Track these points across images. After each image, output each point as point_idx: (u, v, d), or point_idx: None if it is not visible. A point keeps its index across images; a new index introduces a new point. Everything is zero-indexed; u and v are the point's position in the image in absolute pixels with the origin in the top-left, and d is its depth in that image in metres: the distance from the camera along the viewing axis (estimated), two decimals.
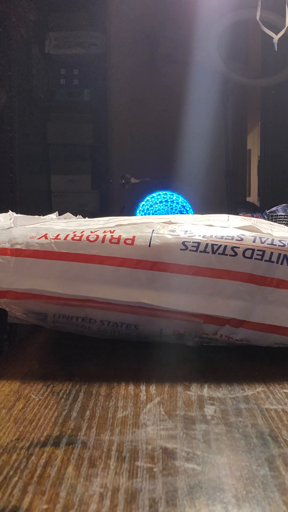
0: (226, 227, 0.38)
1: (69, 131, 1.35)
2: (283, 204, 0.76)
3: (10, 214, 0.45)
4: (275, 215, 0.74)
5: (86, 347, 0.42)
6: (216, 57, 1.21)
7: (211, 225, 0.38)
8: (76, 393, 0.31)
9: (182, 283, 0.35)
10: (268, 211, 0.76)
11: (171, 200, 1.13)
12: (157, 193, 1.15)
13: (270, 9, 1.07)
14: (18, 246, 0.37)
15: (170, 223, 0.39)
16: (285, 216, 0.72)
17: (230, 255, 0.36)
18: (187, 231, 0.37)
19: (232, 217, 0.42)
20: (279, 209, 0.75)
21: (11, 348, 0.41)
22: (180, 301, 0.35)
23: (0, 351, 0.40)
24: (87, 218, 0.48)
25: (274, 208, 0.76)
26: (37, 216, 0.48)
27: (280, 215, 0.73)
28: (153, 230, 0.37)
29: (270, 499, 0.20)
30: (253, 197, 1.42)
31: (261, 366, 0.36)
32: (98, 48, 1.36)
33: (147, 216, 0.44)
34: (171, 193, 1.15)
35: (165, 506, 0.20)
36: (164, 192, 1.14)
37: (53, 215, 0.52)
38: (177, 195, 1.15)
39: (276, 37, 0.94)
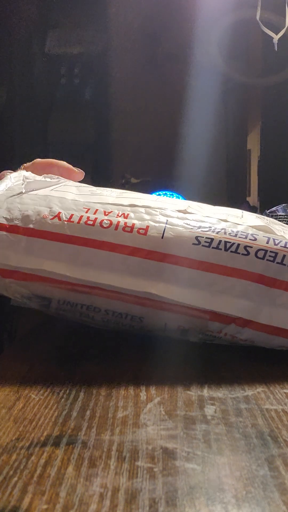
0: (240, 224, 0.38)
1: (69, 130, 1.34)
2: (283, 204, 0.76)
3: (23, 176, 0.43)
4: (275, 215, 0.74)
5: (86, 347, 0.42)
6: (217, 56, 1.21)
7: (226, 220, 0.38)
8: (76, 392, 0.31)
9: (191, 277, 0.35)
10: (268, 211, 0.76)
11: None
12: (157, 193, 1.15)
13: (270, 9, 1.07)
14: (31, 225, 0.37)
15: (185, 213, 0.39)
16: (285, 216, 0.72)
17: (243, 254, 0.35)
18: (201, 225, 0.37)
19: (246, 214, 0.41)
20: (279, 209, 0.75)
21: (11, 347, 0.41)
22: (188, 295, 0.35)
23: (0, 351, 0.40)
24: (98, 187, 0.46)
25: (274, 208, 0.76)
26: (48, 177, 0.45)
27: (280, 215, 0.73)
28: (167, 220, 0.37)
29: (270, 499, 0.20)
30: (253, 197, 1.43)
31: (261, 366, 0.36)
32: (99, 47, 1.36)
33: (162, 198, 0.42)
34: (171, 193, 1.15)
35: (165, 506, 0.20)
36: (164, 192, 1.14)
37: None
38: (177, 195, 1.15)
39: (276, 37, 0.94)
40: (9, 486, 0.21)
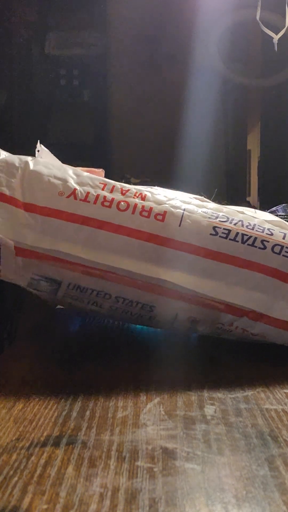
0: (256, 217, 0.38)
1: (69, 131, 1.35)
2: (283, 204, 0.76)
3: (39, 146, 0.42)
4: (275, 215, 0.73)
5: (86, 347, 0.42)
6: (216, 57, 1.22)
7: (242, 212, 0.38)
8: (76, 393, 0.31)
9: (207, 267, 0.35)
10: (268, 211, 0.76)
11: None
12: None
13: (270, 9, 1.07)
14: (46, 205, 0.36)
15: (203, 201, 0.38)
16: (285, 216, 0.72)
17: (259, 248, 0.36)
18: (218, 214, 0.37)
19: (258, 211, 0.41)
20: (279, 209, 0.75)
21: (11, 347, 0.41)
22: (203, 285, 0.35)
23: (0, 351, 0.40)
24: None
25: (274, 208, 0.76)
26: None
27: (280, 215, 0.73)
28: (185, 207, 0.37)
29: (270, 499, 0.20)
30: (253, 197, 1.43)
31: (261, 366, 0.36)
32: (98, 49, 1.36)
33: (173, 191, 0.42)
34: None
35: (165, 506, 0.20)
36: None
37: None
38: None
39: (276, 37, 0.94)
40: (9, 486, 0.21)
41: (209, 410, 0.29)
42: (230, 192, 1.34)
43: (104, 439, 0.25)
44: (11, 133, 1.11)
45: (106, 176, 0.47)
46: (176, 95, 1.34)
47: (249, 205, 1.27)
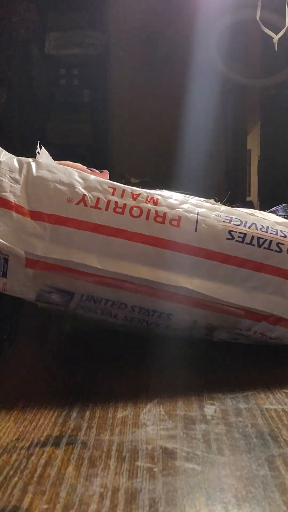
0: (266, 219, 0.37)
1: (68, 131, 1.35)
2: (283, 204, 0.76)
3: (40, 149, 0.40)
4: (275, 215, 0.73)
5: (86, 347, 0.42)
6: (215, 57, 1.22)
7: (253, 214, 0.37)
8: (76, 393, 0.31)
9: (226, 273, 0.35)
10: (268, 211, 0.76)
11: None
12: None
13: (270, 9, 1.07)
14: (54, 212, 0.34)
15: (213, 203, 0.38)
16: (285, 216, 0.72)
17: (276, 251, 0.35)
18: (231, 218, 0.36)
19: (265, 213, 0.41)
20: (279, 209, 0.75)
21: (11, 348, 0.41)
22: (223, 292, 0.34)
23: (1, 351, 0.40)
24: None
25: (274, 208, 0.76)
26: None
27: (280, 215, 0.73)
28: (198, 211, 0.36)
29: (270, 499, 0.20)
30: (253, 197, 1.42)
31: (261, 366, 0.36)
32: (97, 49, 1.36)
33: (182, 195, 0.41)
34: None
35: (165, 506, 0.20)
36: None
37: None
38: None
39: (276, 37, 0.94)
40: (10, 486, 0.21)
41: (209, 410, 0.29)
42: (230, 192, 1.34)
43: (104, 439, 0.25)
44: (11, 133, 1.11)
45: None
46: (176, 95, 1.34)
47: (251, 205, 1.27)
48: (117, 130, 1.39)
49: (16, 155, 0.38)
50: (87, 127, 1.32)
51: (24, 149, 0.42)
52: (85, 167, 0.47)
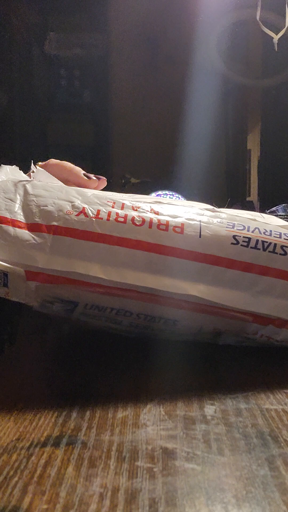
0: (268, 223, 0.37)
1: (69, 132, 1.35)
2: (283, 204, 0.76)
3: (32, 166, 0.40)
4: (275, 215, 0.73)
5: (86, 347, 0.42)
6: (216, 57, 1.22)
7: (254, 219, 0.37)
8: (76, 393, 0.31)
9: (232, 278, 0.34)
10: (268, 211, 0.76)
11: None
12: (158, 194, 1.15)
13: (270, 9, 1.07)
14: (54, 223, 0.33)
15: (213, 211, 0.37)
16: (285, 216, 0.72)
17: (280, 254, 0.35)
18: (234, 223, 0.36)
19: (265, 216, 0.40)
20: (279, 209, 0.75)
21: (11, 348, 0.41)
22: (230, 297, 0.34)
23: (1, 351, 0.40)
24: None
25: (274, 208, 0.76)
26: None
27: (280, 215, 0.73)
28: (200, 218, 0.36)
29: (270, 499, 0.20)
30: (253, 197, 1.43)
31: (261, 366, 0.36)
32: (98, 50, 1.36)
33: (173, 200, 0.40)
34: (171, 193, 1.15)
35: (165, 506, 0.20)
36: (164, 192, 1.14)
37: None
38: (177, 195, 1.15)
39: (276, 37, 0.94)
40: (10, 486, 0.21)
41: (209, 410, 0.29)
42: (230, 192, 1.34)
43: (104, 439, 0.25)
44: (12, 134, 1.11)
45: (106, 176, 0.46)
46: (177, 95, 1.34)
47: (252, 205, 1.27)
48: (117, 130, 1.39)
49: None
50: (88, 127, 1.32)
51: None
52: (82, 172, 0.46)
